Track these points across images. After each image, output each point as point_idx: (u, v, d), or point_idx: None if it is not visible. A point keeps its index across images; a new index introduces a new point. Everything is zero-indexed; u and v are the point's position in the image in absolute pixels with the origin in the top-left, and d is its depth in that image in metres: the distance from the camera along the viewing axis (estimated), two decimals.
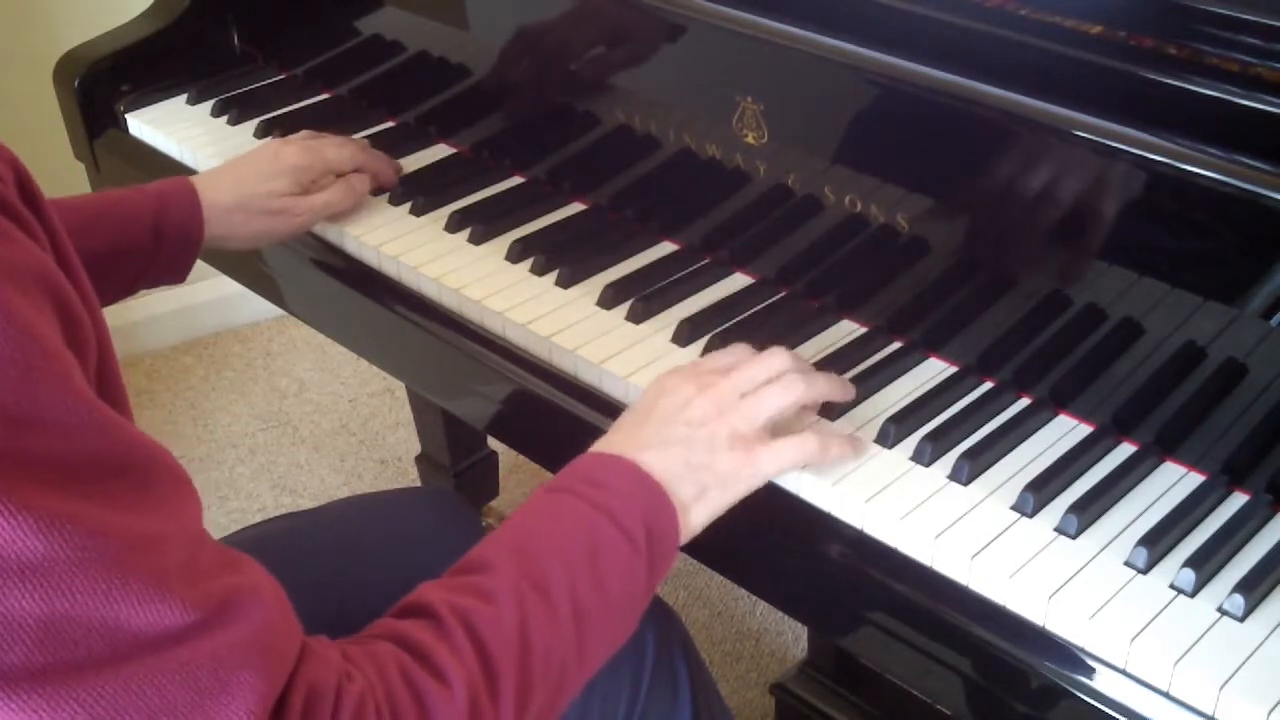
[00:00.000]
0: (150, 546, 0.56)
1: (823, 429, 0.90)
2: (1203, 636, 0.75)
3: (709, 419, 0.84)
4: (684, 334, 1.01)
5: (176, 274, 1.09)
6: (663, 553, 0.81)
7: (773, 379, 0.87)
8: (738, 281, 1.08)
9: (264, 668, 0.60)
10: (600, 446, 0.85)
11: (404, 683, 0.66)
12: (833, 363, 0.97)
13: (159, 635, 0.56)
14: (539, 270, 1.09)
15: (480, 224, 1.15)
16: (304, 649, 0.63)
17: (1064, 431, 0.91)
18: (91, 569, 0.54)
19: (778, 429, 0.87)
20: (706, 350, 0.99)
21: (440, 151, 1.30)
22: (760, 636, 1.77)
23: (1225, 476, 0.85)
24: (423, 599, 0.72)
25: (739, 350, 0.91)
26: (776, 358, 0.89)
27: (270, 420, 2.19)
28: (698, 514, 0.83)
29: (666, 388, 0.87)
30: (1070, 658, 0.77)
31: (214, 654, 0.58)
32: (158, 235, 1.05)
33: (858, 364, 0.98)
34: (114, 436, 0.56)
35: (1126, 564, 0.80)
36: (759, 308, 1.04)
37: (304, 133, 1.21)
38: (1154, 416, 0.88)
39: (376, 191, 1.21)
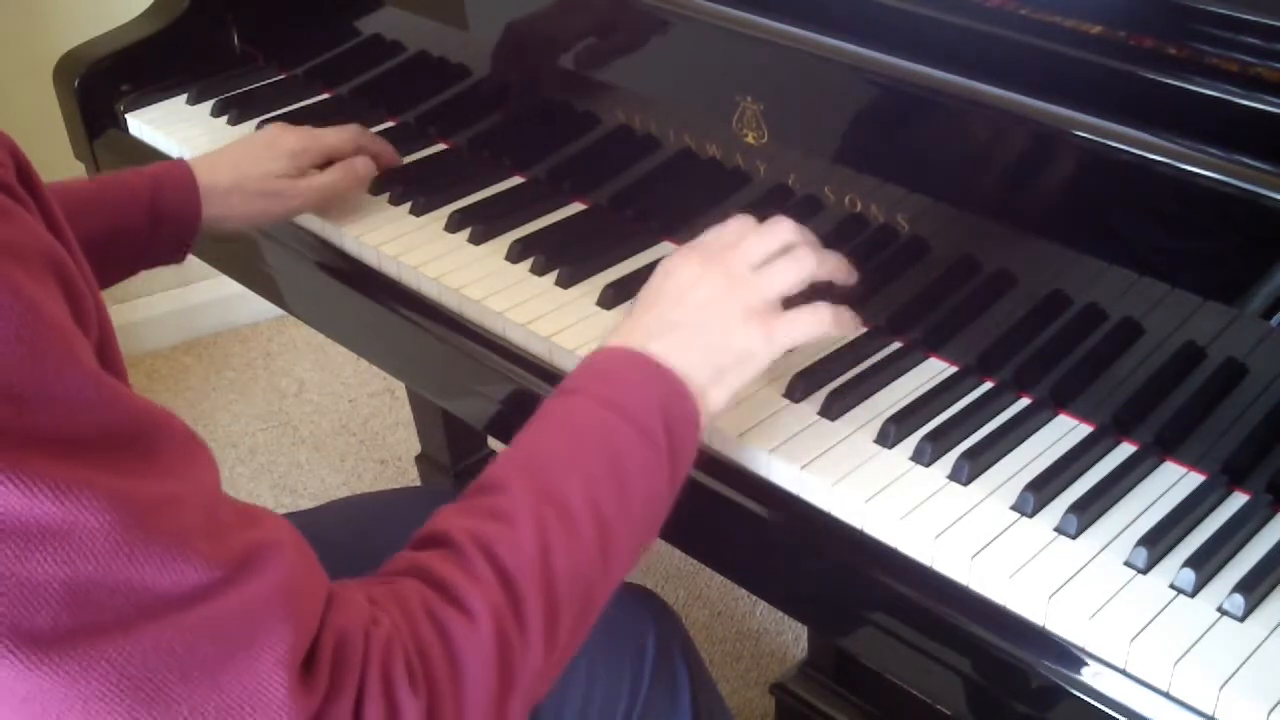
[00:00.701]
0: (167, 508, 0.57)
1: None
2: (1203, 636, 0.75)
3: (719, 296, 0.82)
4: None
5: (175, 254, 1.10)
6: (684, 444, 0.78)
7: (781, 251, 0.85)
8: None
9: (292, 618, 0.59)
10: (610, 339, 0.82)
11: (428, 619, 0.65)
12: (833, 363, 0.97)
13: (184, 593, 0.56)
14: (539, 270, 1.09)
15: (480, 224, 1.15)
16: (331, 596, 0.63)
17: (1064, 431, 0.91)
18: (112, 532, 0.54)
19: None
20: None
21: (440, 151, 1.30)
22: (760, 636, 1.77)
23: (1225, 476, 0.85)
24: (440, 527, 0.71)
25: (743, 221, 0.88)
26: (784, 228, 0.86)
27: (270, 420, 2.19)
28: (716, 397, 0.81)
29: (671, 268, 0.84)
30: (1070, 658, 0.77)
31: (241, 607, 0.58)
32: (154, 216, 1.05)
33: (858, 364, 0.98)
34: (121, 408, 0.57)
35: (1126, 564, 0.80)
36: None
37: (306, 127, 1.21)
38: (1154, 416, 0.88)
39: (375, 185, 1.21)
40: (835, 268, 0.88)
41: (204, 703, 0.56)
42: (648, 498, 0.76)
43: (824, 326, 0.84)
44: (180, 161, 1.11)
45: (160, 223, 1.06)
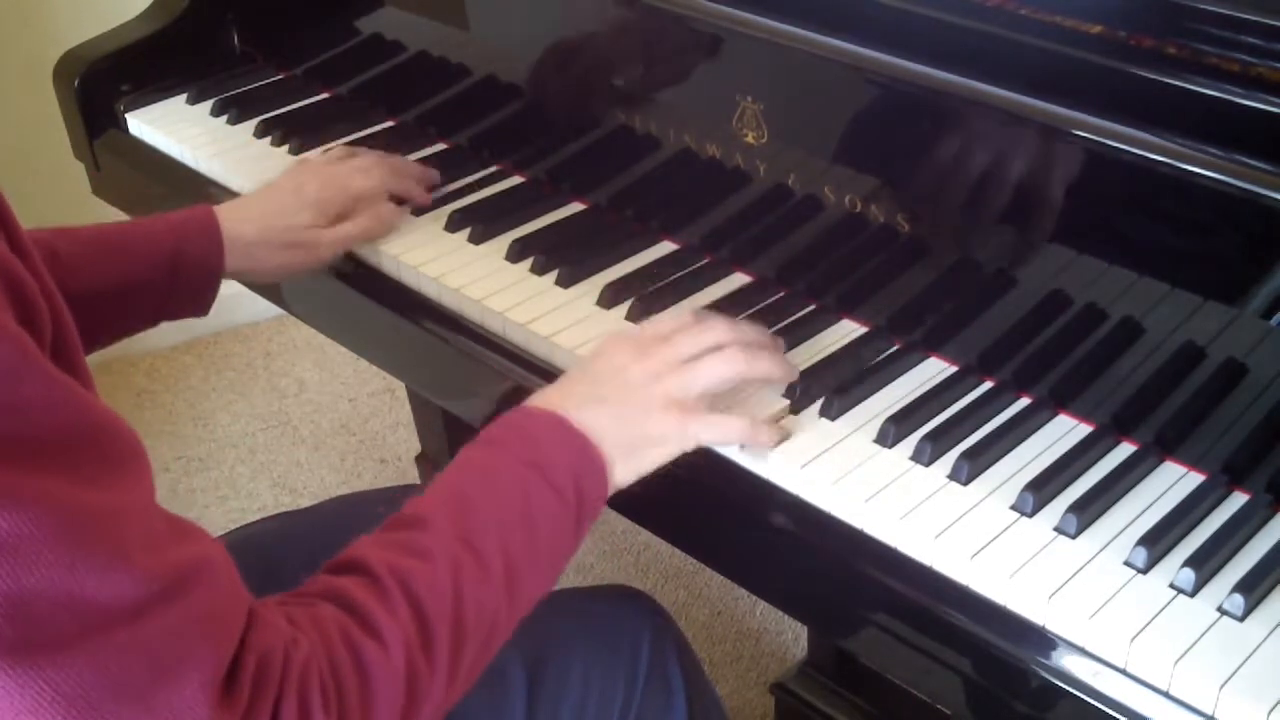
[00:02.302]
0: (111, 519, 0.57)
1: (757, 411, 0.91)
2: (1202, 636, 0.75)
3: (645, 382, 0.86)
4: None
5: (198, 307, 1.08)
6: (590, 507, 0.83)
7: (714, 349, 0.89)
8: (737, 281, 1.08)
9: (216, 638, 0.61)
10: (536, 400, 0.86)
11: (344, 645, 0.68)
12: (832, 363, 0.97)
13: (122, 608, 0.57)
14: (539, 270, 1.09)
15: (480, 224, 1.15)
16: (251, 616, 0.64)
17: (1064, 431, 0.91)
18: (57, 544, 0.54)
19: (716, 401, 0.89)
20: None
21: (439, 151, 1.30)
22: (760, 636, 1.77)
23: (1225, 476, 0.85)
24: (359, 555, 0.73)
25: (682, 317, 0.92)
26: (718, 328, 0.90)
27: (270, 420, 2.19)
28: (623, 472, 0.85)
29: (605, 350, 0.89)
30: (1070, 658, 0.77)
31: (170, 626, 0.59)
32: (174, 268, 1.03)
33: (857, 364, 0.98)
34: (78, 410, 0.57)
35: (1126, 564, 0.80)
36: (759, 308, 1.04)
37: (336, 150, 1.19)
38: (1154, 416, 0.88)
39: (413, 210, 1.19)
40: (769, 369, 0.91)
41: (133, 719, 0.57)
42: (553, 550, 0.80)
43: (737, 435, 0.88)
44: (205, 209, 1.07)
45: (181, 273, 1.03)
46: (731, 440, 0.89)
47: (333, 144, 1.29)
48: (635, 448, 0.85)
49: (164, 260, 1.03)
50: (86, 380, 0.65)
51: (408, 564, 0.72)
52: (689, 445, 0.87)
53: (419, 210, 1.18)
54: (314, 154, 1.20)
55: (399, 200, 1.17)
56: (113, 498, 0.58)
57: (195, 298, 1.07)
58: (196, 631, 0.60)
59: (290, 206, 1.10)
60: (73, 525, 0.55)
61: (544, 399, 0.86)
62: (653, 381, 0.86)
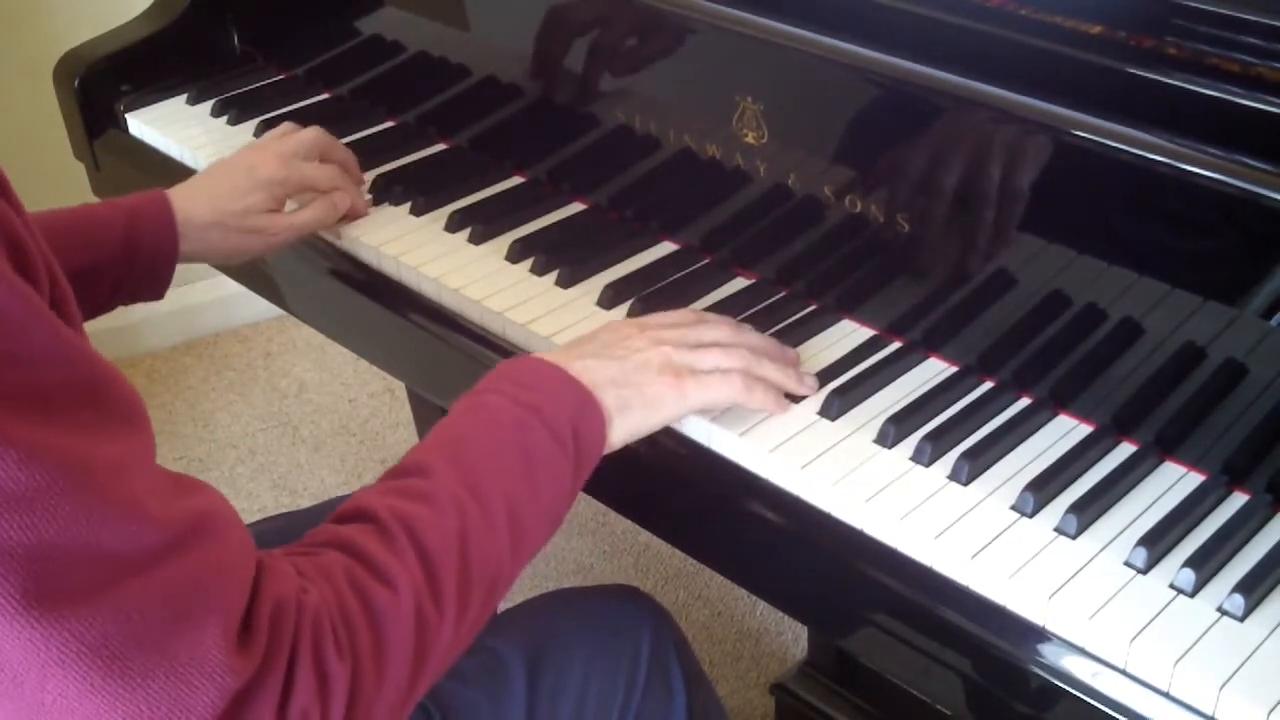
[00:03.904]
0: (121, 469, 0.58)
1: (763, 373, 0.91)
2: (1202, 636, 0.75)
3: (645, 349, 0.87)
4: None
5: (153, 290, 1.07)
6: (588, 454, 0.83)
7: (717, 343, 0.90)
8: (738, 282, 1.08)
9: (231, 586, 0.61)
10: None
11: (353, 590, 0.68)
12: (833, 363, 0.97)
13: (139, 556, 0.57)
14: (539, 270, 1.09)
15: (480, 224, 1.15)
16: (261, 565, 0.65)
17: (1064, 431, 0.91)
18: (73, 495, 0.55)
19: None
20: None
21: (440, 151, 1.30)
22: (760, 636, 1.77)
23: (1225, 476, 0.85)
24: (364, 504, 0.74)
25: (684, 313, 0.95)
26: (722, 327, 0.93)
27: (270, 420, 2.19)
28: (619, 427, 0.85)
29: (611, 324, 0.91)
30: (1070, 658, 0.77)
31: (187, 574, 0.59)
32: (130, 250, 1.03)
33: (857, 364, 0.98)
34: (82, 362, 0.57)
35: (1126, 564, 0.80)
36: (759, 308, 1.04)
37: (285, 125, 1.19)
38: (1154, 416, 0.88)
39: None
40: (777, 377, 0.92)
41: (155, 668, 0.57)
42: (554, 496, 0.80)
43: (734, 392, 0.89)
44: (158, 193, 1.07)
45: (137, 257, 1.04)
46: (726, 398, 0.89)
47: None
48: (630, 405, 0.85)
49: (119, 245, 1.03)
50: (83, 333, 0.66)
51: (412, 509, 0.72)
52: (685, 410, 0.88)
53: (419, 211, 1.18)
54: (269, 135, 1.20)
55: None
56: (121, 450, 0.58)
57: (151, 282, 1.07)
58: (211, 580, 0.60)
59: (242, 187, 1.09)
60: (86, 476, 0.55)
61: (542, 357, 0.87)
62: (652, 349, 0.87)
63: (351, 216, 1.17)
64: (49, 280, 0.61)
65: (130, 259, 1.03)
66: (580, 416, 0.82)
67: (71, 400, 0.56)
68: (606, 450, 0.85)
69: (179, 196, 1.08)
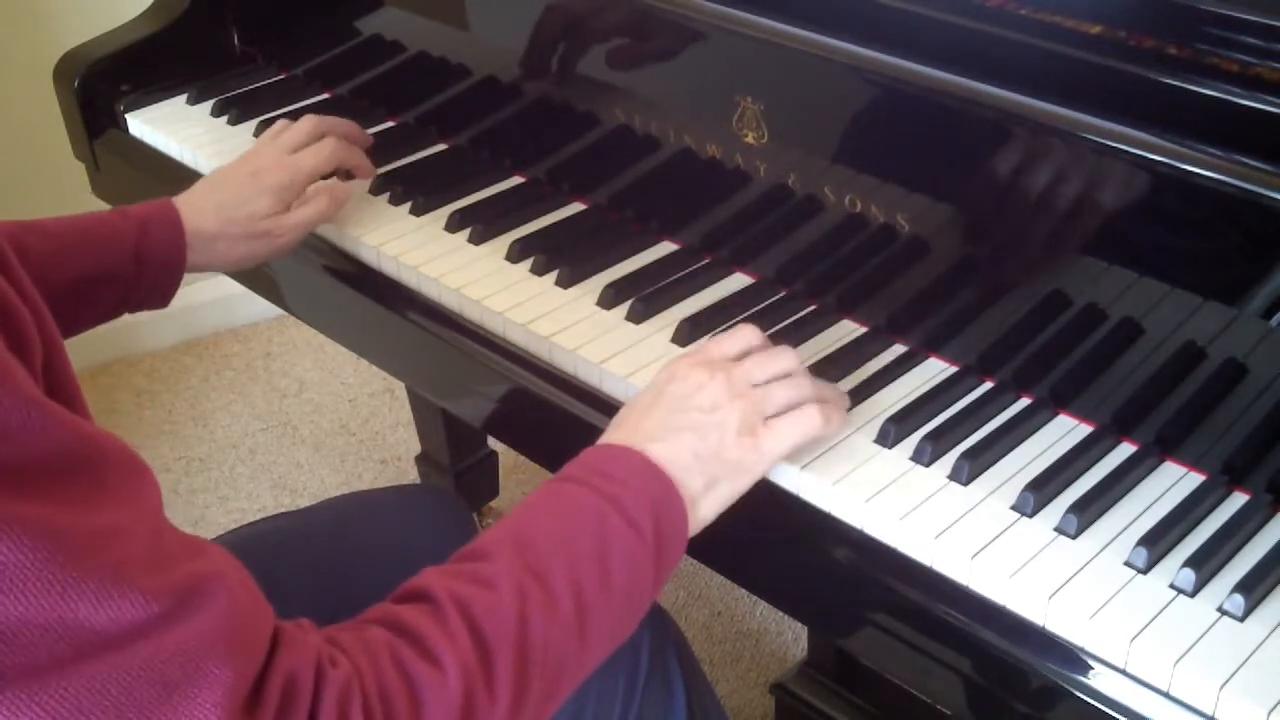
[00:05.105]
0: (106, 541, 0.56)
1: (823, 393, 0.89)
2: (1203, 636, 0.75)
3: (719, 405, 0.84)
4: (684, 334, 1.01)
5: (159, 299, 1.07)
6: (671, 545, 0.80)
7: (782, 375, 0.87)
8: (738, 281, 1.08)
9: (232, 658, 0.59)
10: (608, 437, 0.84)
11: (394, 666, 0.65)
12: (833, 363, 0.97)
13: (120, 631, 0.55)
14: (539, 270, 1.09)
15: (480, 224, 1.15)
16: (278, 635, 0.63)
17: (1064, 431, 0.91)
18: (44, 570, 0.53)
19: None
20: None
21: (440, 151, 1.30)
22: (760, 636, 1.77)
23: (1225, 476, 0.85)
24: (422, 584, 0.72)
25: (748, 334, 0.90)
26: (788, 356, 0.89)
27: (270, 420, 2.19)
28: (707, 506, 0.83)
29: (677, 373, 0.86)
30: (1070, 658, 0.77)
31: (179, 646, 0.57)
32: (139, 262, 1.03)
33: (858, 364, 0.98)
34: (63, 435, 0.55)
35: (1126, 564, 0.80)
36: (759, 308, 1.04)
37: (279, 124, 1.18)
38: (1154, 416, 0.88)
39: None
40: (832, 397, 0.90)
41: None
42: (630, 589, 0.77)
43: (812, 429, 0.86)
44: (167, 203, 1.07)
45: (145, 267, 1.03)
46: (804, 438, 0.86)
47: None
48: (716, 480, 0.82)
49: (128, 254, 1.03)
50: (77, 398, 0.64)
51: (470, 590, 0.70)
52: (768, 466, 0.85)
53: (420, 211, 1.18)
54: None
55: (347, 175, 1.20)
56: (109, 518, 0.56)
57: (158, 291, 1.07)
58: (209, 650, 0.58)
59: (247, 194, 1.09)
60: (61, 550, 0.53)
61: (618, 433, 0.84)
62: (727, 406, 0.84)
63: (362, 176, 1.21)
64: (41, 340, 0.59)
65: (139, 269, 1.03)
66: (662, 506, 0.79)
67: (49, 472, 0.55)
68: (696, 530, 0.82)
69: (186, 207, 1.07)
